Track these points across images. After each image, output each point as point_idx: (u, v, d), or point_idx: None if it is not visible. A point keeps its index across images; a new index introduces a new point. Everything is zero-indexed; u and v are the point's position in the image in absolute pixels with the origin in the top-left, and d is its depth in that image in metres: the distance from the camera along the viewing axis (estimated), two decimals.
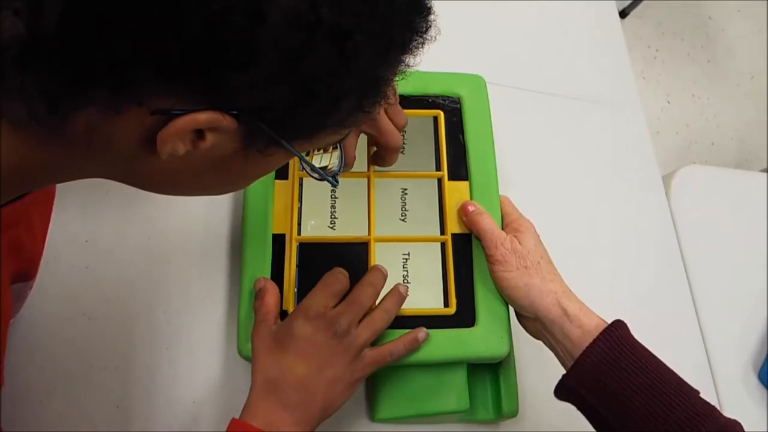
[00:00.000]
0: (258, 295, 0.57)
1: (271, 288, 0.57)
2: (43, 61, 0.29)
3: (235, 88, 0.31)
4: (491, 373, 0.64)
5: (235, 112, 0.32)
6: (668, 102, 1.91)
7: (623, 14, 1.96)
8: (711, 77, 1.98)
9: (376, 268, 0.58)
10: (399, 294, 0.57)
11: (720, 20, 2.07)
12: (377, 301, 0.56)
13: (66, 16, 0.28)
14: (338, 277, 0.56)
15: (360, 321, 0.54)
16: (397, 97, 0.59)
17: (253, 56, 0.30)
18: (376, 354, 0.54)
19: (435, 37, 0.36)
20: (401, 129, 0.60)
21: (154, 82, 0.30)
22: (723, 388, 0.82)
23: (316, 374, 0.51)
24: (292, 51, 0.30)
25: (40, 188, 0.41)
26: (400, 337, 0.56)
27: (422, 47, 0.37)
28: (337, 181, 0.49)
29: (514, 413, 0.63)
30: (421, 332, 0.57)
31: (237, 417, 0.49)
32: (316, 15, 0.30)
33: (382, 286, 0.57)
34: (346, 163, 0.59)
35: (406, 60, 0.37)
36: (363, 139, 0.67)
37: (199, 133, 0.33)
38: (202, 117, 0.31)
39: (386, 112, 0.58)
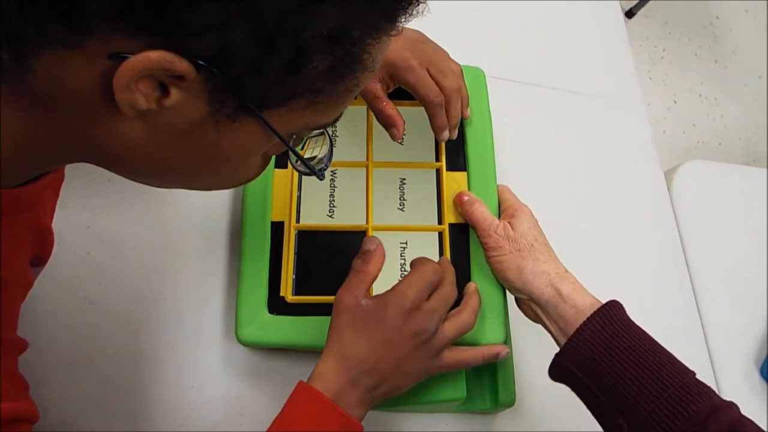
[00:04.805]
0: (363, 255, 0.53)
1: (379, 256, 0.53)
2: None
3: (186, 25, 0.30)
4: (489, 363, 0.64)
5: (195, 61, 0.31)
6: (675, 102, 1.91)
7: (630, 14, 1.96)
8: (718, 77, 1.97)
9: (449, 264, 0.56)
10: (477, 293, 0.58)
11: (727, 20, 2.06)
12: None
13: None
14: (436, 268, 0.54)
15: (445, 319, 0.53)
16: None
17: None
18: (454, 361, 0.54)
19: (423, 12, 0.35)
20: (458, 74, 0.62)
21: (104, 13, 0.30)
22: (724, 382, 0.82)
23: (395, 365, 0.51)
24: None
25: (39, 170, 0.41)
26: (482, 349, 0.56)
27: (407, 18, 0.35)
28: (323, 176, 0.47)
29: (511, 403, 0.63)
30: (504, 350, 0.57)
31: (304, 381, 0.49)
32: None
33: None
34: (374, 97, 0.59)
35: (388, 28, 0.35)
36: (362, 131, 0.67)
37: (164, 91, 0.33)
38: (154, 56, 0.31)
39: (429, 71, 0.59)
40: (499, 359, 0.57)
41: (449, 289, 0.54)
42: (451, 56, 0.63)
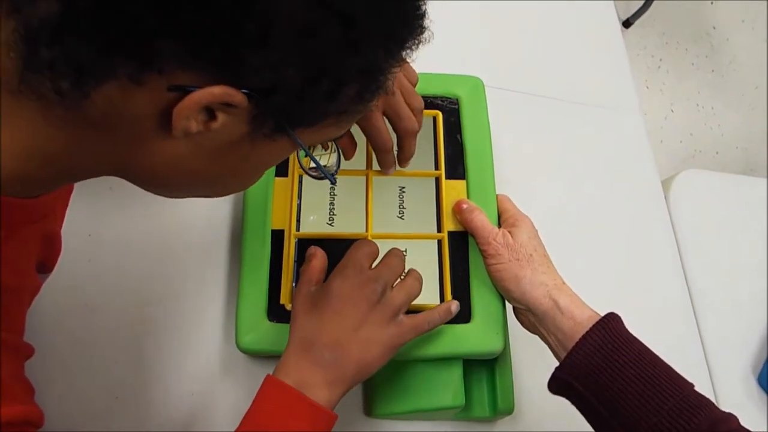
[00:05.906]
0: (306, 259, 0.57)
1: (321, 255, 0.57)
2: (77, 35, 0.31)
3: (249, 65, 0.33)
4: (487, 370, 0.65)
5: (246, 91, 0.34)
6: (672, 111, 1.92)
7: (627, 24, 1.97)
8: (715, 87, 1.98)
9: (396, 249, 0.58)
10: (415, 270, 0.58)
11: (724, 30, 2.07)
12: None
13: None
14: (369, 242, 0.56)
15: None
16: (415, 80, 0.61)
17: (269, 31, 0.32)
18: (413, 321, 0.55)
19: (429, 39, 0.39)
20: (418, 112, 0.61)
21: (177, 55, 0.32)
22: (722, 392, 0.82)
23: (352, 333, 0.51)
24: (304, 29, 0.33)
25: (68, 183, 0.42)
26: (435, 308, 0.57)
27: (418, 45, 0.39)
28: (336, 180, 0.51)
29: (509, 410, 0.63)
30: (454, 304, 0.58)
31: (271, 373, 0.50)
32: None
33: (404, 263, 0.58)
34: (346, 154, 0.60)
35: (404, 55, 0.39)
36: (362, 140, 0.68)
37: (211, 114, 0.35)
38: (217, 91, 0.33)
39: (386, 113, 0.59)
40: (453, 314, 0.58)
41: (394, 260, 0.56)
42: (417, 85, 0.61)
